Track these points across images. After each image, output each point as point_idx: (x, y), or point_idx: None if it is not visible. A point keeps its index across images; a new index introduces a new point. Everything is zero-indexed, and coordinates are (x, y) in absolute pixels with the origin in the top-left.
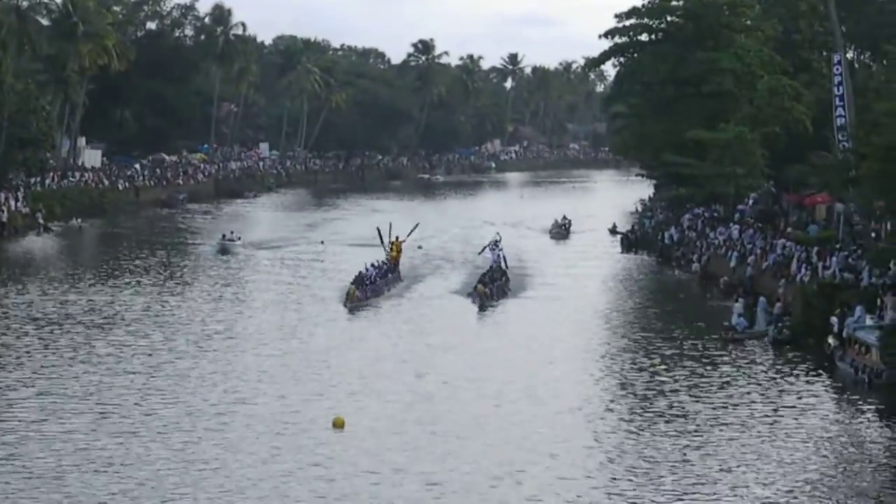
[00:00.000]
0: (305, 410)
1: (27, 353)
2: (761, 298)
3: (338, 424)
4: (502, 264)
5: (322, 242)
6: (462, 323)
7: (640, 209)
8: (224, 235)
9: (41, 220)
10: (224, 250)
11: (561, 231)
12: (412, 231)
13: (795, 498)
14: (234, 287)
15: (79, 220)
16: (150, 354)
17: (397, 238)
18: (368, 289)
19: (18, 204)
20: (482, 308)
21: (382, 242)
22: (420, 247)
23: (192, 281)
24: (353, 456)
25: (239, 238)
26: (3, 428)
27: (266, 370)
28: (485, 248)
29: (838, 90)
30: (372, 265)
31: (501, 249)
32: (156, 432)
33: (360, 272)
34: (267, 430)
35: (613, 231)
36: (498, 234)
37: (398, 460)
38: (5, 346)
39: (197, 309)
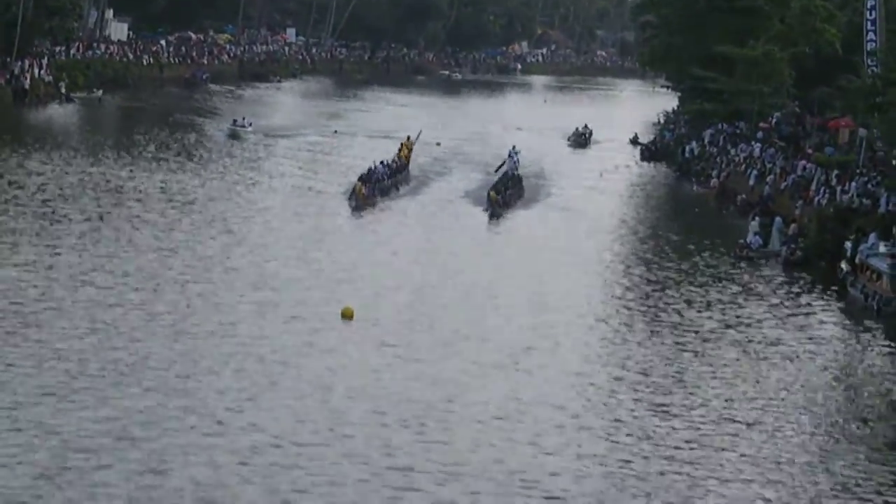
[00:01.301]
0: (313, 301)
1: (40, 224)
2: (777, 218)
3: (346, 315)
4: (517, 170)
5: (335, 132)
6: (471, 228)
7: (662, 121)
8: (235, 121)
9: (63, 90)
10: (234, 135)
11: (580, 140)
12: (419, 135)
13: (796, 419)
14: (240, 173)
15: (100, 92)
16: (158, 232)
17: (408, 138)
18: (376, 187)
19: (42, 72)
20: (493, 216)
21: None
22: (439, 143)
23: (201, 164)
24: (361, 346)
25: (250, 124)
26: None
27: (266, 260)
28: (500, 164)
29: (871, 14)
30: (381, 163)
31: (518, 153)
32: (157, 317)
33: (368, 169)
34: (276, 318)
35: (634, 141)
36: (514, 146)
37: (404, 352)
38: (20, 216)
39: (203, 192)
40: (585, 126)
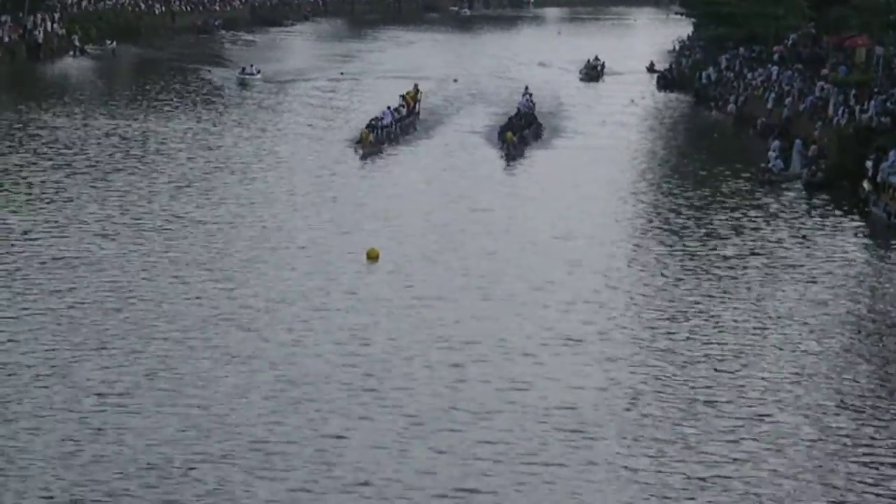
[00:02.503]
0: (336, 242)
1: (56, 176)
2: (797, 140)
3: (371, 256)
4: (532, 109)
5: (342, 74)
6: (488, 170)
7: (678, 48)
8: (244, 69)
9: (77, 42)
10: (243, 83)
11: (592, 73)
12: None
13: (823, 336)
14: (247, 124)
15: (113, 43)
16: (174, 183)
17: (416, 86)
18: (383, 133)
19: (55, 25)
20: (510, 157)
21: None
22: (455, 80)
23: (210, 113)
24: (386, 287)
25: (258, 72)
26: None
27: (278, 211)
28: (520, 101)
29: None
30: (388, 108)
31: (531, 94)
32: (181, 262)
33: (375, 116)
34: (298, 259)
35: (651, 69)
36: (527, 87)
37: (429, 292)
38: (39, 169)
39: (209, 142)
40: (597, 58)
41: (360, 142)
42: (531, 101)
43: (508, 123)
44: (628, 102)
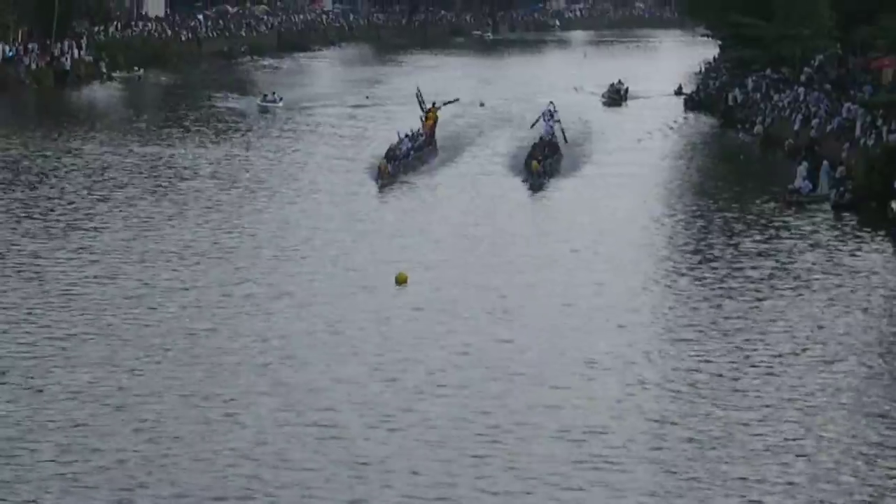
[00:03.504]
0: (366, 268)
1: (87, 200)
2: (824, 162)
3: (401, 281)
4: (558, 136)
5: (367, 97)
6: (512, 201)
7: (704, 70)
8: (265, 96)
9: (104, 69)
10: (265, 111)
11: (615, 97)
12: (451, 102)
13: (853, 357)
14: (269, 152)
15: (140, 70)
16: (196, 210)
17: (433, 104)
18: (401, 163)
19: (82, 52)
20: (535, 188)
21: (421, 106)
22: (482, 104)
23: (231, 141)
24: (416, 311)
25: (280, 99)
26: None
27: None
28: (537, 120)
29: None
30: (406, 135)
31: (558, 121)
32: (204, 289)
33: (391, 145)
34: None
35: (679, 92)
36: (552, 102)
37: (460, 316)
38: (62, 193)
39: (232, 171)
40: (620, 81)
41: (379, 173)
42: (557, 126)
43: (532, 151)
44: (643, 135)
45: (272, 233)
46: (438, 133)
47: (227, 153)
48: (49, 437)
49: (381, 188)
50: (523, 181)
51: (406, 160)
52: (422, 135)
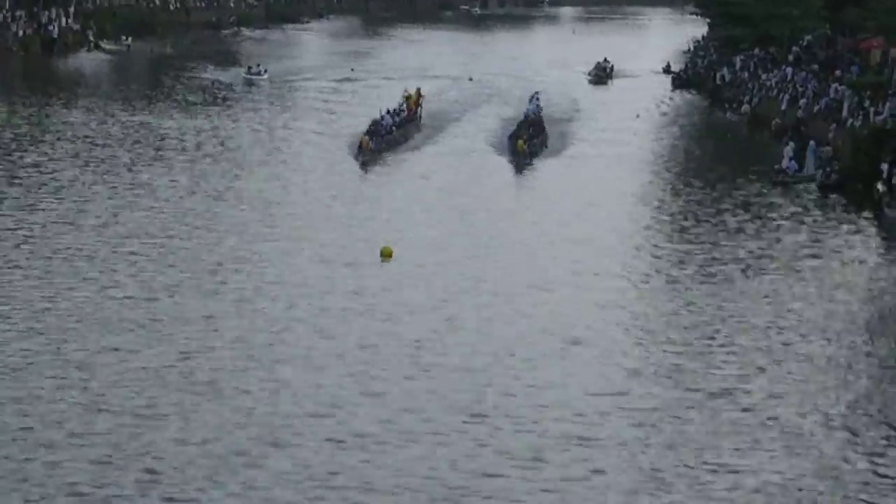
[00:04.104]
0: (350, 243)
1: (70, 170)
2: (811, 142)
3: (386, 254)
4: (539, 113)
5: (352, 70)
6: (497, 180)
7: (692, 48)
8: (250, 68)
9: (91, 38)
10: (249, 83)
11: (601, 74)
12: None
13: (836, 337)
14: (253, 124)
15: (128, 39)
16: (179, 181)
17: (418, 90)
18: (383, 139)
19: (70, 20)
20: (520, 166)
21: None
22: (471, 78)
23: (213, 113)
24: (401, 286)
25: (265, 71)
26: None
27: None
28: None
29: None
30: (388, 111)
31: (538, 100)
32: (189, 261)
33: (373, 120)
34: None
35: (667, 70)
36: (537, 92)
37: (445, 290)
38: (51, 162)
39: (214, 143)
40: (606, 60)
41: (360, 149)
42: (539, 107)
43: (517, 130)
44: (630, 114)
45: (254, 206)
46: (431, 106)
47: (213, 125)
48: None
49: (363, 164)
50: (509, 161)
51: (389, 136)
52: (404, 110)
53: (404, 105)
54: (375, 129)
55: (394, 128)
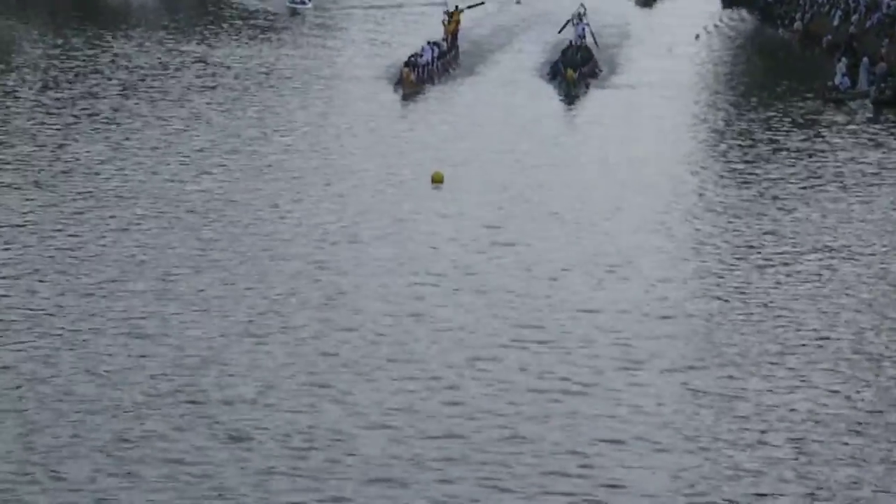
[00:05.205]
0: (400, 167)
1: (127, 101)
2: (864, 58)
3: (437, 180)
4: (589, 40)
5: None
6: (546, 112)
7: None
8: None
9: None
10: (294, 12)
11: None
12: (476, 5)
13: (884, 261)
14: (295, 61)
15: None
16: (224, 113)
17: (457, 7)
18: (424, 71)
19: None
20: (570, 97)
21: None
22: (518, 2)
23: (259, 44)
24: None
25: (309, 1)
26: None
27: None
28: (566, 23)
29: None
30: (427, 43)
31: (587, 24)
32: (242, 199)
33: (414, 52)
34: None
35: None
36: (582, 5)
37: (493, 219)
38: (99, 91)
39: (258, 75)
40: None
41: (399, 82)
42: (587, 30)
43: (563, 58)
44: (680, 35)
45: (301, 138)
46: (473, 33)
47: (258, 54)
48: None
49: (405, 98)
50: (557, 91)
51: (429, 67)
52: (444, 40)
53: (444, 33)
54: (415, 61)
55: (436, 59)
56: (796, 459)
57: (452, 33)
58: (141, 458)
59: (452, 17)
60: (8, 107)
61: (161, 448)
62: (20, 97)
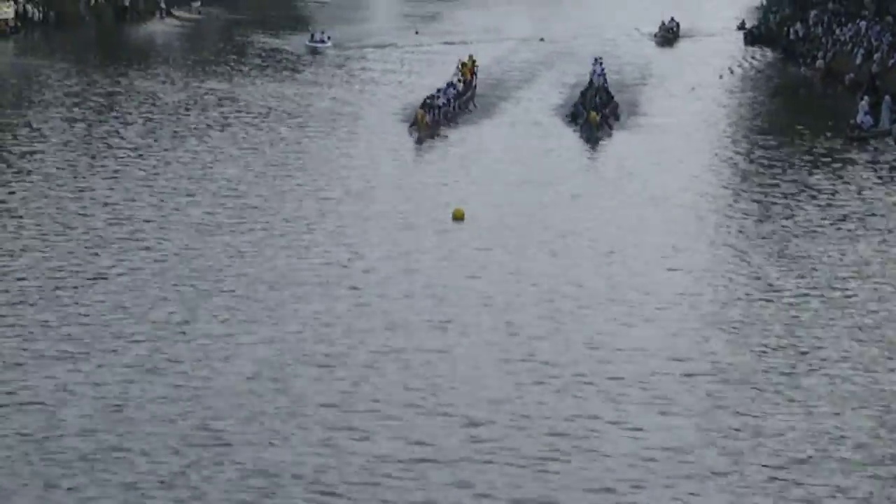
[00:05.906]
0: (421, 205)
1: (151, 138)
2: (886, 96)
3: (458, 216)
4: (605, 83)
5: (416, 32)
6: (568, 154)
7: (764, 4)
8: (313, 35)
9: (162, 5)
10: (314, 51)
11: (667, 35)
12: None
13: None
14: (315, 96)
15: (198, 4)
16: (248, 149)
17: (470, 56)
18: (439, 113)
19: None
20: (593, 139)
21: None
22: (542, 39)
23: (278, 82)
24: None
25: (329, 38)
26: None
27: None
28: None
29: None
30: (447, 84)
31: (601, 65)
32: (270, 229)
33: (430, 94)
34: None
35: (741, 27)
36: (599, 57)
37: (513, 257)
38: (121, 127)
39: (275, 113)
40: (672, 19)
41: (414, 124)
42: (602, 74)
43: (583, 99)
44: (702, 75)
45: (322, 175)
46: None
47: (278, 92)
48: None
49: (419, 141)
50: (579, 133)
51: (445, 109)
52: (461, 80)
53: (460, 76)
54: (431, 103)
55: (451, 101)
56: None
57: (471, 72)
58: None
59: (468, 63)
60: (33, 143)
61: None
62: (46, 134)
